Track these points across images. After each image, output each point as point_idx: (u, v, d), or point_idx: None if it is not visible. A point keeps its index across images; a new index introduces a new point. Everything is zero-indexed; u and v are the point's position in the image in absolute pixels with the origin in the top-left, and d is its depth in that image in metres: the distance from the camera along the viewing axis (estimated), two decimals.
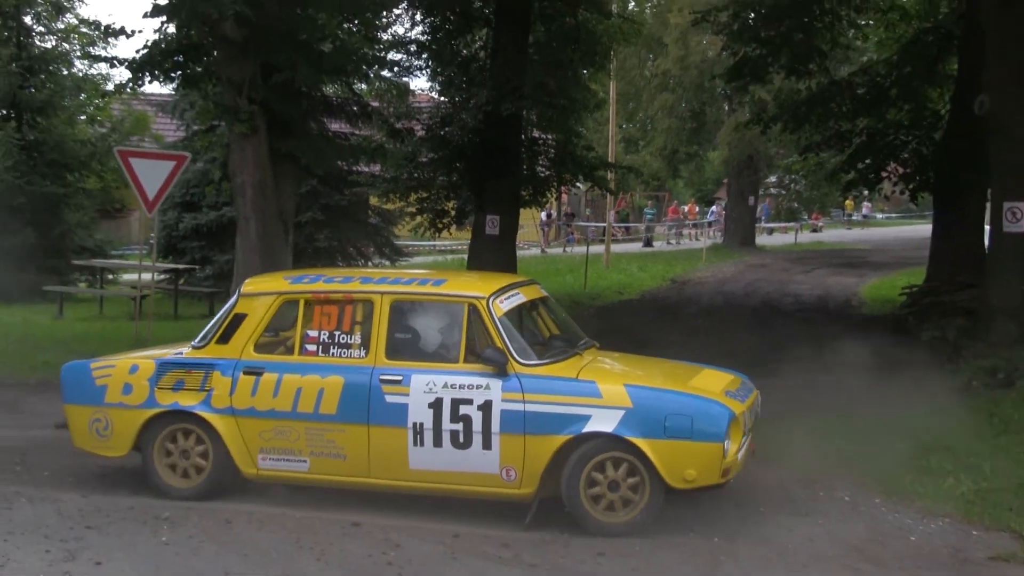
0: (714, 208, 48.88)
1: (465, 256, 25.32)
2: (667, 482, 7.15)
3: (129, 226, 36.26)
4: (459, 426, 7.40)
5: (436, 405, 7.45)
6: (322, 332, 7.91)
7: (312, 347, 7.90)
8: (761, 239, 42.83)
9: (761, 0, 18.29)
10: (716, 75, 26.55)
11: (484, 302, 7.64)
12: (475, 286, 7.93)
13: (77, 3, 26.20)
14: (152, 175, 15.26)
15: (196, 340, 8.29)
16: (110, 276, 23.65)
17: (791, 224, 48.84)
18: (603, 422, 7.19)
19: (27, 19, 25.26)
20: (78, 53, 28.44)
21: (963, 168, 17.94)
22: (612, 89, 31.37)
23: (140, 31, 30.56)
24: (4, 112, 24.22)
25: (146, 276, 18.97)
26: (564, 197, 42.89)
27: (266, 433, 7.85)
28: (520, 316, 8.17)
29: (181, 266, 21.67)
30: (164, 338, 15.98)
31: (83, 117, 29.67)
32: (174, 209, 23.52)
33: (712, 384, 7.75)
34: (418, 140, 21.45)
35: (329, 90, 19.87)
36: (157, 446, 8.10)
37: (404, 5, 19.90)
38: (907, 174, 20.91)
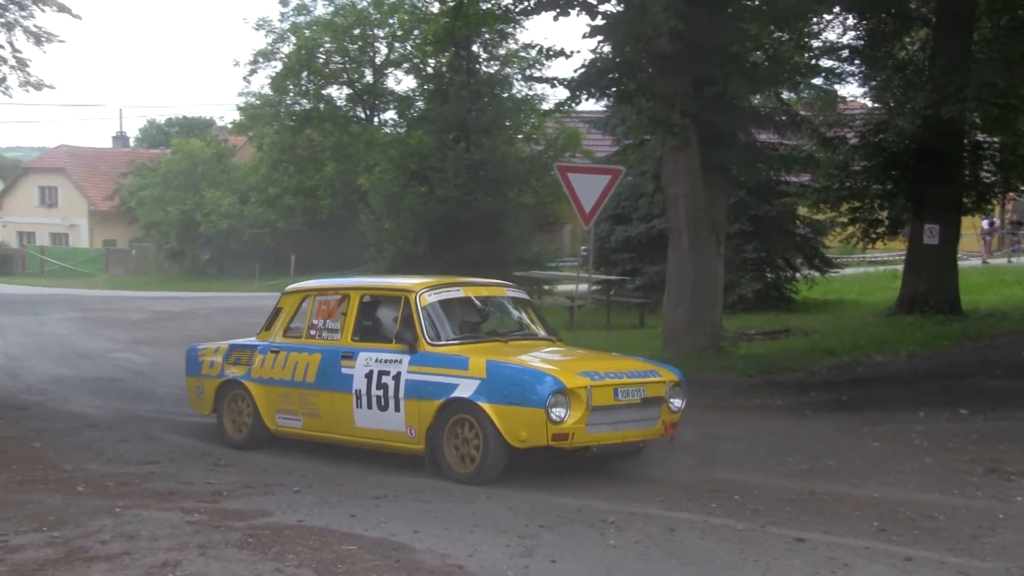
0: None
1: (898, 268, 24.23)
2: (507, 441, 8.51)
3: (561, 239, 37.96)
4: (381, 392, 9.25)
5: (369, 375, 9.35)
6: (319, 320, 10.12)
7: (313, 332, 10.11)
8: None
9: None
10: None
11: (413, 295, 9.39)
12: (415, 283, 9.74)
13: (518, 29, 27.64)
14: (589, 189, 15.83)
15: (260, 330, 10.75)
16: (545, 287, 24.89)
17: None
18: (465, 390, 8.73)
19: (475, 47, 27.23)
20: (518, 76, 30.21)
21: None
22: None
23: (577, 51, 32.04)
24: (454, 135, 26.20)
25: (580, 287, 19.77)
26: (1009, 204, 39.83)
27: (279, 398, 10.12)
28: (465, 308, 9.83)
29: (613, 277, 22.37)
30: (598, 347, 16.60)
31: (520, 136, 31.42)
32: (606, 222, 24.29)
33: (578, 365, 9.01)
34: (850, 148, 20.87)
35: (756, 100, 19.78)
36: (225, 406, 10.58)
37: (837, 10, 19.36)
38: None
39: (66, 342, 19.82)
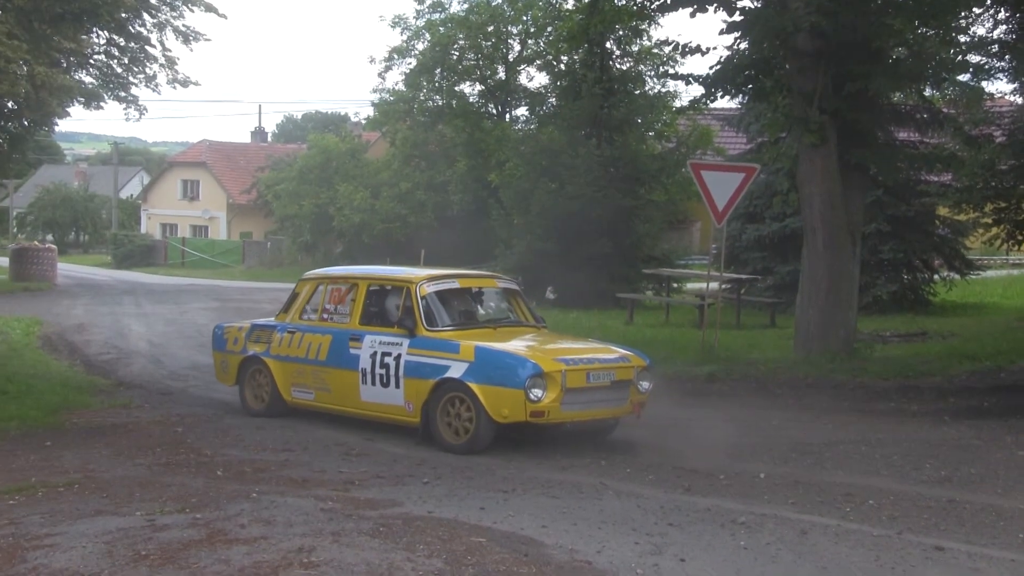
0: None
1: None
2: (492, 417, 9.59)
3: (691, 236, 37.62)
4: (384, 371, 10.45)
5: (374, 356, 10.56)
6: (331, 305, 11.39)
7: (326, 316, 11.39)
8: None
9: None
10: None
11: (414, 285, 10.57)
12: (416, 275, 10.90)
13: (653, 26, 27.46)
14: (722, 187, 15.63)
15: (278, 312, 12.10)
16: (675, 285, 24.67)
17: None
18: (455, 371, 9.88)
19: (608, 44, 27.14)
20: (651, 73, 29.99)
21: None
22: None
23: (714, 48, 31.12)
24: (586, 131, 26.16)
25: (710, 285, 19.54)
26: None
27: (294, 373, 11.39)
28: (460, 297, 11.01)
29: (745, 276, 22.04)
30: (728, 347, 16.41)
31: (651, 133, 31.19)
32: (737, 220, 23.95)
33: (556, 351, 10.18)
34: (997, 147, 20.12)
35: (896, 97, 19.25)
36: (247, 380, 11.88)
37: (988, 2, 18.66)
38: None
39: (205, 330, 20.32)
